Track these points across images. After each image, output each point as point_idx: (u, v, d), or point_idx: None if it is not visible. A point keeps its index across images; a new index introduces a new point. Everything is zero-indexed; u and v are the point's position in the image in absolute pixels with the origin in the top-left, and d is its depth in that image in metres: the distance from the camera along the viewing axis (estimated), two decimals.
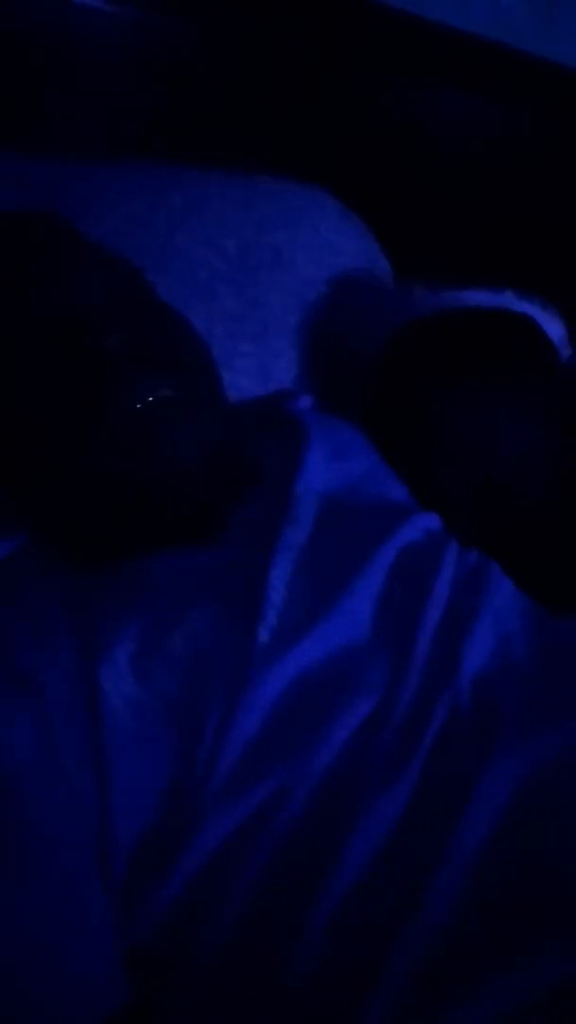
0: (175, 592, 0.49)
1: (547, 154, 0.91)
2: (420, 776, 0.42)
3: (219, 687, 0.44)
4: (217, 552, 0.52)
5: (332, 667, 0.46)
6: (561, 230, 0.91)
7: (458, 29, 0.88)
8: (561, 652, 0.50)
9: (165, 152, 0.79)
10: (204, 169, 0.79)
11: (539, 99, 0.90)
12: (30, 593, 0.51)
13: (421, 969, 0.37)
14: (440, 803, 0.41)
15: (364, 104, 0.87)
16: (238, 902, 0.40)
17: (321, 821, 0.41)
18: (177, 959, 0.40)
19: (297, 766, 0.42)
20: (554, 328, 0.68)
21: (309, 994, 0.38)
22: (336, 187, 0.84)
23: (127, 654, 0.46)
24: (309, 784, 0.42)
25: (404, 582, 0.51)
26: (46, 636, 0.47)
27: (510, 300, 0.67)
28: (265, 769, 0.42)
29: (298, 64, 0.84)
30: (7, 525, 0.57)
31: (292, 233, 0.79)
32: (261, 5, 0.84)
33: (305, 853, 0.40)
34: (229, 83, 0.82)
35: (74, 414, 0.51)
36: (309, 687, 0.45)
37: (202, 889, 0.40)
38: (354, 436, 0.66)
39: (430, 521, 0.57)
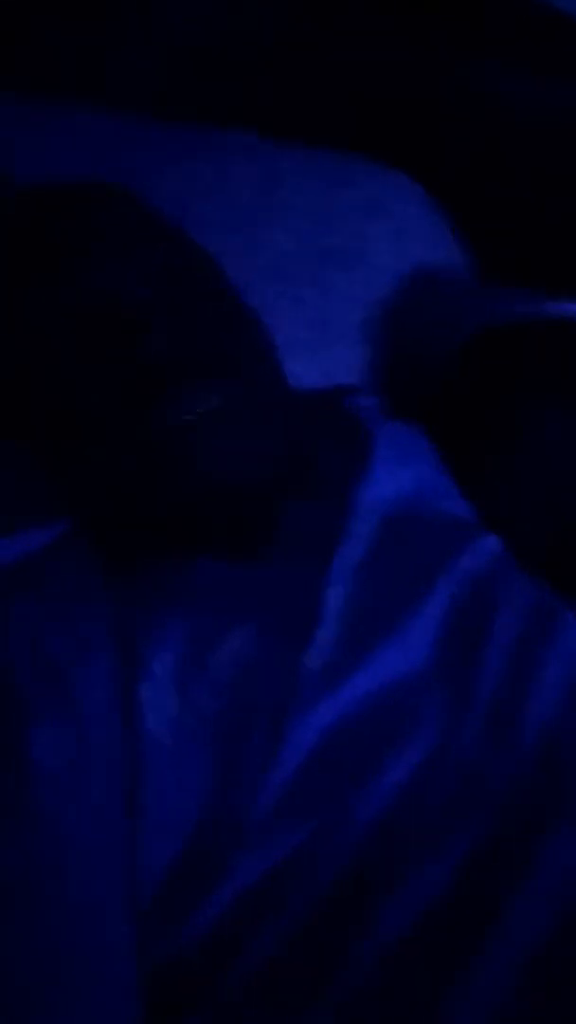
0: (220, 604, 0.46)
1: None
2: (474, 841, 0.39)
3: (263, 713, 0.41)
4: (268, 563, 0.48)
5: (385, 702, 0.43)
6: None
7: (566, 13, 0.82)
8: None
9: (242, 122, 0.74)
10: (281, 143, 0.74)
11: None
12: (65, 590, 0.48)
13: None
14: (494, 877, 0.38)
15: (452, 92, 0.81)
16: (266, 949, 0.37)
17: (363, 875, 0.38)
18: (203, 991, 0.38)
19: (342, 810, 0.39)
20: None
21: None
22: (419, 174, 0.79)
23: (167, 668, 0.43)
24: (353, 831, 0.39)
25: (467, 612, 0.47)
26: (80, 638, 0.44)
27: None
28: (308, 809, 0.39)
29: (386, 41, 0.79)
30: (49, 509, 0.54)
31: (370, 219, 0.75)
32: None
33: (342, 909, 0.37)
34: (312, 57, 0.78)
35: (112, 422, 0.48)
36: (360, 722, 0.42)
37: (231, 929, 0.37)
38: (418, 443, 0.62)
39: (494, 544, 0.53)
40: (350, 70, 0.81)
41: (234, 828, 0.39)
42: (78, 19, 0.72)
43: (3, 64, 0.71)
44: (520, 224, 0.81)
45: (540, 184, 0.80)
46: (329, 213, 0.74)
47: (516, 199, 0.81)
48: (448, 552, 0.50)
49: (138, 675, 0.42)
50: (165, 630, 0.44)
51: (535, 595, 0.50)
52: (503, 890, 0.37)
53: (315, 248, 0.73)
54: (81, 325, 0.49)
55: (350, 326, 0.73)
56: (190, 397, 0.48)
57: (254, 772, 0.39)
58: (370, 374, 0.73)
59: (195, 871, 0.38)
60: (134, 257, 0.51)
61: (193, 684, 0.42)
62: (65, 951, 0.36)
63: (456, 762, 0.41)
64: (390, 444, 0.58)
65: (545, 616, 0.49)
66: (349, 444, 0.58)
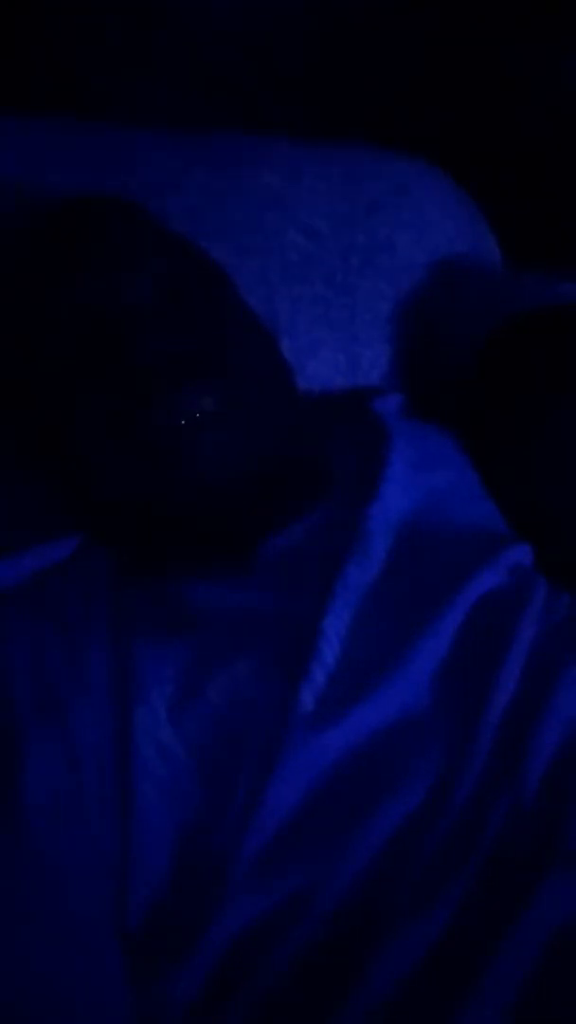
0: (221, 631, 0.45)
1: None
2: (469, 887, 0.37)
3: (254, 752, 0.40)
4: (271, 589, 0.47)
5: (382, 746, 0.41)
6: None
7: None
8: None
9: (255, 123, 0.73)
10: (297, 141, 0.73)
11: None
12: (71, 608, 0.48)
13: None
14: (488, 923, 0.36)
15: (477, 69, 0.78)
16: (253, 1002, 0.36)
17: (351, 931, 0.37)
18: None
19: (332, 860, 0.38)
20: None
21: None
22: (444, 162, 0.76)
23: (164, 696, 0.42)
24: (342, 883, 0.37)
25: (479, 639, 0.45)
26: (80, 663, 0.44)
27: None
28: (296, 858, 0.38)
29: (404, 23, 0.76)
30: (56, 526, 0.54)
31: (392, 212, 0.72)
32: None
33: (332, 962, 0.36)
34: (324, 46, 0.76)
35: (104, 425, 0.49)
36: (353, 767, 0.40)
37: (216, 984, 0.37)
38: (443, 444, 0.59)
39: (519, 554, 0.50)
40: (371, 63, 0.79)
41: (219, 872, 0.38)
42: (87, 35, 0.71)
43: (16, 80, 0.71)
44: (548, 207, 0.77)
45: (567, 166, 0.76)
46: (349, 208, 0.71)
47: (542, 181, 0.77)
48: (464, 570, 0.47)
49: (135, 701, 0.42)
50: (164, 656, 0.43)
51: (558, 608, 0.47)
52: (496, 935, 0.36)
53: (335, 246, 0.71)
54: (80, 331, 0.50)
55: (374, 324, 0.70)
56: (183, 399, 0.48)
57: (241, 814, 0.38)
58: (396, 372, 0.70)
59: (178, 918, 0.38)
60: (134, 266, 0.52)
61: (188, 715, 0.41)
62: (55, 981, 0.36)
63: (454, 807, 0.39)
64: (410, 447, 0.56)
65: (566, 632, 0.46)
66: (367, 449, 0.56)
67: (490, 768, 0.40)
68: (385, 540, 0.49)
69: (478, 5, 0.78)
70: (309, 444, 0.56)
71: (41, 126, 0.69)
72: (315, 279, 0.69)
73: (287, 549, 0.48)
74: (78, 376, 0.50)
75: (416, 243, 0.72)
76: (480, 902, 0.37)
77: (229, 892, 0.37)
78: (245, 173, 0.71)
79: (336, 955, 0.36)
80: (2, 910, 0.37)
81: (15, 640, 0.45)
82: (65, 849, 0.39)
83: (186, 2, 0.74)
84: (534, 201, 0.78)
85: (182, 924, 0.37)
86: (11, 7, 0.70)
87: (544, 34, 0.77)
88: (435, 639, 0.44)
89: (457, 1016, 0.34)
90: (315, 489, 0.53)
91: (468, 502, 0.55)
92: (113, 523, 0.52)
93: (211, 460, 0.48)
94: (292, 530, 0.49)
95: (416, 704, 0.42)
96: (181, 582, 0.48)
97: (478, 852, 0.38)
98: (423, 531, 0.50)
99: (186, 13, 0.75)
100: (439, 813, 0.39)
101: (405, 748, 0.41)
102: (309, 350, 0.68)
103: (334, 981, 0.36)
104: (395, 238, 0.72)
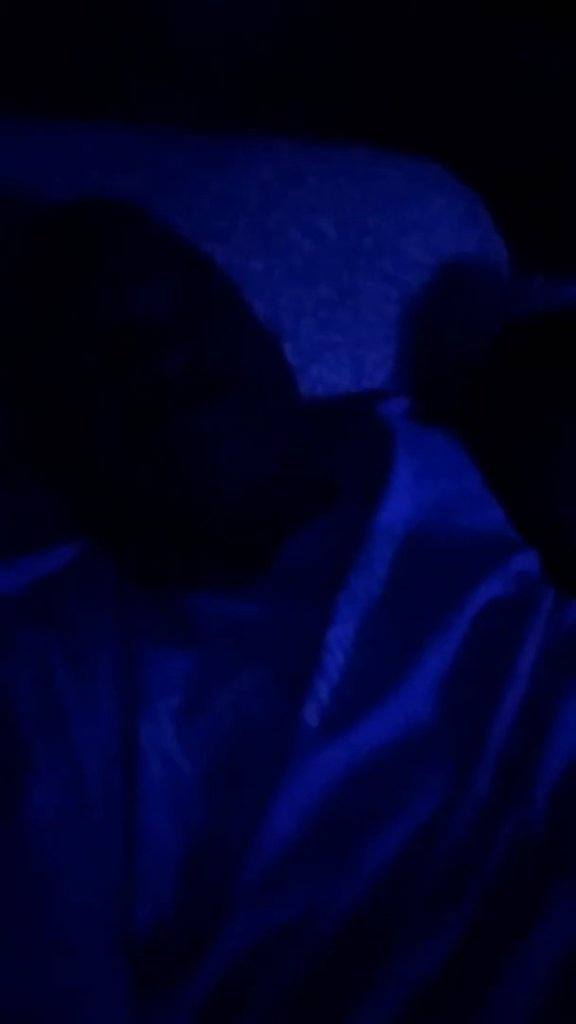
0: (226, 644, 0.44)
1: None
2: (471, 914, 0.36)
3: (259, 768, 0.40)
4: (277, 601, 0.46)
5: (386, 761, 0.40)
6: None
7: None
8: None
9: (259, 124, 0.72)
10: (301, 141, 0.72)
11: None
12: (76, 617, 0.47)
13: None
14: (489, 951, 0.35)
15: (486, 69, 0.77)
16: (256, 1021, 0.35)
17: (357, 949, 0.36)
18: None
19: (337, 878, 0.37)
20: None
21: None
22: (451, 162, 0.75)
23: (169, 709, 0.42)
24: (348, 901, 0.37)
25: (483, 651, 0.44)
26: (86, 673, 0.44)
27: None
28: (301, 875, 0.38)
29: (412, 24, 0.75)
30: (62, 533, 0.53)
31: (397, 213, 0.71)
32: None
33: (333, 985, 0.36)
34: (330, 46, 0.75)
35: (120, 439, 0.48)
36: (358, 783, 0.40)
37: (221, 1001, 0.36)
38: (450, 448, 0.58)
39: (526, 561, 0.49)
40: (378, 63, 0.78)
41: (223, 888, 0.37)
42: (88, 36, 0.71)
43: (16, 81, 0.71)
44: (557, 206, 0.76)
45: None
46: (353, 209, 0.71)
47: (551, 181, 0.76)
48: (469, 578, 0.47)
49: (141, 714, 0.42)
50: (171, 669, 0.43)
51: (566, 618, 0.47)
52: (506, 952, 0.35)
53: (340, 247, 0.70)
54: (95, 346, 0.50)
55: (379, 326, 0.70)
56: (199, 413, 0.48)
57: (245, 830, 0.38)
58: (401, 375, 0.70)
59: (182, 934, 0.37)
60: (145, 281, 0.52)
61: (193, 729, 0.41)
62: (57, 999, 0.36)
63: (460, 824, 0.38)
64: (416, 452, 0.55)
65: (574, 642, 0.45)
66: (372, 454, 0.55)
67: (497, 784, 0.39)
68: (390, 549, 0.48)
69: (485, 2, 0.78)
70: (316, 453, 0.56)
71: (41, 127, 0.68)
72: (319, 281, 0.69)
73: (293, 560, 0.48)
74: (94, 390, 0.49)
75: (422, 244, 0.71)
76: (489, 919, 0.36)
77: (233, 909, 0.37)
78: (248, 174, 0.70)
79: (342, 973, 0.36)
80: (4, 928, 0.36)
81: (19, 650, 0.45)
82: (69, 865, 0.38)
83: (188, 3, 0.74)
84: (543, 201, 0.77)
85: (186, 940, 0.37)
86: (12, 9, 0.69)
87: (554, 32, 0.77)
88: (440, 650, 0.43)
89: None
90: (323, 498, 0.52)
91: (474, 508, 0.54)
92: (125, 534, 0.52)
93: (226, 473, 0.48)
94: (299, 540, 0.49)
95: (421, 718, 0.42)
96: (187, 592, 0.47)
97: (486, 869, 0.37)
98: (428, 539, 0.50)
99: (188, 15, 0.74)
100: (446, 830, 0.38)
101: (410, 763, 0.40)
102: (313, 353, 0.67)
103: (339, 999, 0.35)
104: (400, 239, 0.71)
